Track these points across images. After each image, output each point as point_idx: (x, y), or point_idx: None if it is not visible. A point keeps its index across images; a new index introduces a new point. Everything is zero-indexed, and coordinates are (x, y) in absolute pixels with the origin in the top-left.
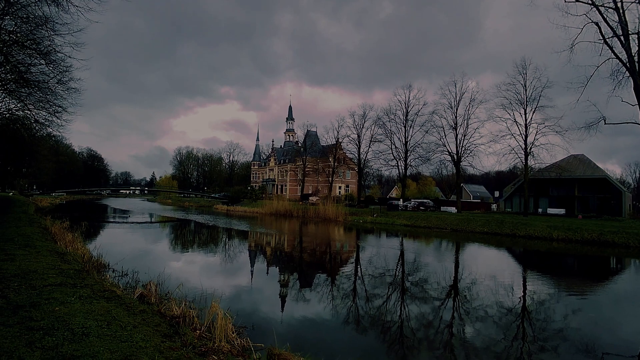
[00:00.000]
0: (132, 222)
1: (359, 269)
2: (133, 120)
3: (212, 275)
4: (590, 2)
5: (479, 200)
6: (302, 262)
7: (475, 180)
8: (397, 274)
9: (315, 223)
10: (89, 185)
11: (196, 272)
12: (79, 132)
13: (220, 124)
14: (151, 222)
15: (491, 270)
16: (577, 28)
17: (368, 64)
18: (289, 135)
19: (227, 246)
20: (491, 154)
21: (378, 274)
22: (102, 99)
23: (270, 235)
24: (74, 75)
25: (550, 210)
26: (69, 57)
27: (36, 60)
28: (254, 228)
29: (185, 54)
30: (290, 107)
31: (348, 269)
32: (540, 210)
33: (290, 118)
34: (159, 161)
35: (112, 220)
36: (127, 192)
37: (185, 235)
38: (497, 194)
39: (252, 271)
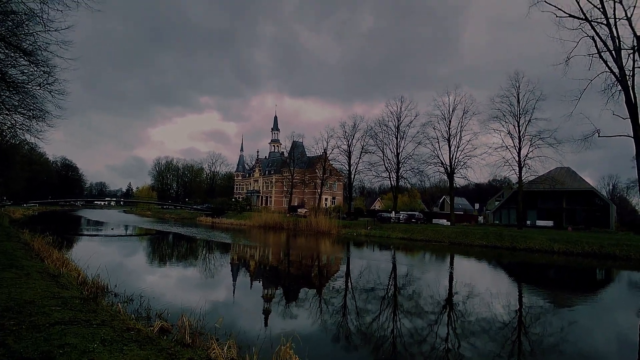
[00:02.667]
0: (116, 236)
1: (391, 290)
2: (110, 129)
3: (237, 299)
4: (582, 17)
5: (462, 212)
6: (322, 281)
7: (457, 193)
8: (429, 296)
9: (309, 236)
10: (62, 195)
11: (213, 296)
12: (53, 140)
13: (199, 134)
14: (136, 236)
15: (517, 289)
16: (573, 42)
17: (349, 76)
18: (274, 145)
19: (232, 264)
20: (485, 165)
21: (411, 296)
22: (78, 106)
23: (271, 251)
24: (59, 76)
25: (539, 223)
26: (57, 56)
27: (20, 59)
28: (248, 242)
29: (165, 62)
30: (275, 118)
31: (382, 291)
32: (529, 222)
33: (275, 128)
34: (136, 171)
35: (94, 233)
36: (102, 203)
37: (179, 251)
38: (477, 206)
39: (290, 298)
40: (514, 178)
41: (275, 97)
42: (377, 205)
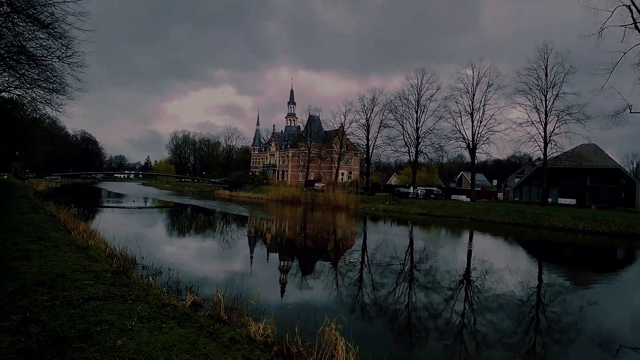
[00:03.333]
0: (138, 208)
1: (424, 268)
2: (126, 103)
3: (266, 274)
4: None
5: (480, 189)
6: (357, 258)
7: (475, 169)
8: (470, 274)
9: (327, 211)
10: (83, 168)
11: (240, 269)
12: (72, 114)
13: (214, 108)
14: (158, 208)
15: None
16: (607, 11)
17: (364, 49)
18: (290, 119)
19: (254, 237)
20: (509, 141)
21: (458, 274)
22: (94, 81)
23: (292, 225)
24: (77, 48)
25: (561, 201)
26: (75, 27)
27: (38, 32)
28: (267, 215)
29: (179, 36)
30: (292, 91)
31: (416, 270)
32: (550, 200)
33: (291, 102)
34: (152, 145)
35: (117, 205)
36: (122, 176)
37: (202, 222)
38: (495, 182)
39: (314, 271)
40: (537, 154)
41: (290, 70)
42: (393, 180)
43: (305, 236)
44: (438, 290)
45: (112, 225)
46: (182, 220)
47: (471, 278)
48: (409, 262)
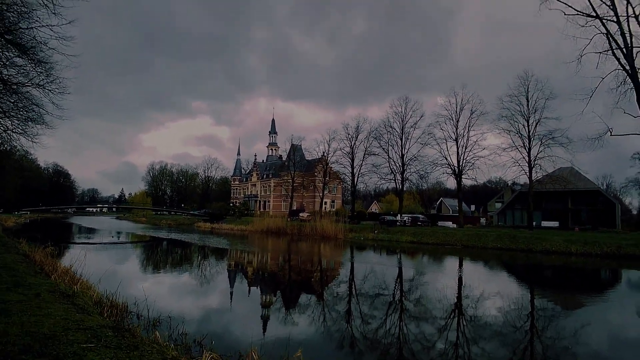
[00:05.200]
0: (116, 243)
1: (434, 300)
2: (101, 134)
3: (282, 318)
4: (593, 14)
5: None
6: (368, 293)
7: (452, 194)
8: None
9: (316, 242)
10: (54, 203)
11: (247, 310)
12: (47, 146)
13: (191, 139)
14: (137, 243)
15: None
16: (585, 39)
17: (341, 80)
18: (271, 149)
19: (257, 274)
20: (493, 166)
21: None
22: (68, 111)
23: (293, 258)
24: (60, 74)
25: (544, 223)
26: (58, 52)
27: (17, 59)
28: (257, 249)
29: (157, 67)
30: (273, 120)
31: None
32: (534, 223)
33: (273, 131)
34: (128, 177)
35: (93, 242)
36: (95, 210)
37: (189, 260)
38: (472, 207)
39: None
40: (522, 179)
41: (268, 101)
42: (374, 208)
43: (312, 272)
44: (471, 326)
45: (93, 265)
46: (168, 256)
47: (489, 307)
48: (427, 296)
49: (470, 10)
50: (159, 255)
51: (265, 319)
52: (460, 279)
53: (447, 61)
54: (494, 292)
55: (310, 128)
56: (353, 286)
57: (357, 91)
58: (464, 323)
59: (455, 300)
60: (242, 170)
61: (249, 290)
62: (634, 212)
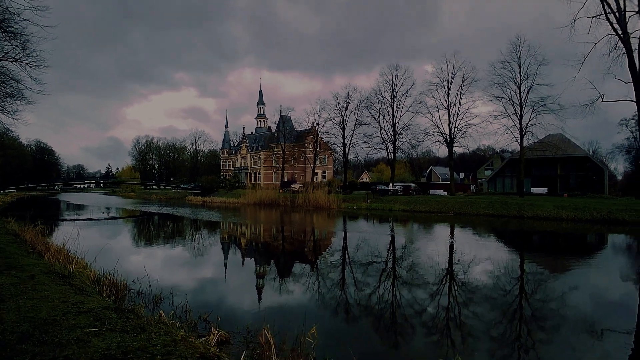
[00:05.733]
0: (107, 219)
1: (439, 266)
2: (82, 109)
3: (278, 295)
4: None
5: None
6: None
7: (441, 163)
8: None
9: (311, 212)
10: (39, 180)
11: (247, 283)
12: (27, 122)
13: (177, 111)
14: (129, 218)
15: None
16: (579, 2)
17: (328, 49)
18: (260, 120)
19: (247, 247)
20: (487, 133)
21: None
22: (48, 85)
23: (291, 229)
24: (37, 47)
25: (534, 190)
26: (33, 24)
27: None
28: (251, 221)
29: (136, 38)
30: (260, 91)
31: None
32: (524, 189)
33: (261, 102)
34: (113, 153)
35: (83, 218)
36: (82, 186)
37: (182, 233)
38: (462, 175)
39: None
40: (513, 146)
41: (254, 71)
42: (364, 177)
43: (311, 243)
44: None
45: (86, 242)
46: (162, 231)
47: (487, 273)
48: (429, 263)
49: None
50: (153, 230)
51: (267, 292)
52: (455, 246)
53: (435, 28)
54: (489, 258)
55: (298, 98)
56: (355, 256)
57: (344, 60)
58: (467, 288)
59: (456, 267)
60: (231, 142)
61: (247, 262)
62: (619, 177)
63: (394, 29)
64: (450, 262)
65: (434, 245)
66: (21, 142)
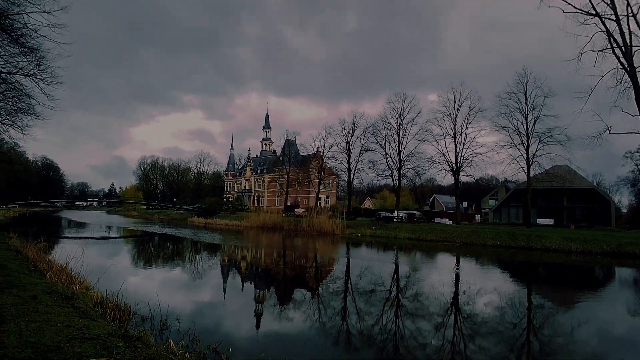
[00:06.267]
0: (109, 238)
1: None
2: (90, 128)
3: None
4: (593, 12)
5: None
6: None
7: (445, 191)
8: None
9: (315, 238)
10: (43, 196)
11: (252, 312)
12: (36, 138)
13: (183, 133)
14: (131, 237)
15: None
16: (586, 37)
17: (334, 76)
18: (265, 144)
19: (254, 270)
20: (493, 163)
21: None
22: (60, 102)
23: (299, 255)
24: (52, 64)
25: (540, 221)
26: (50, 40)
27: (7, 48)
28: (256, 245)
29: (147, 60)
30: (267, 115)
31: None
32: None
33: (267, 126)
34: (117, 171)
35: (85, 236)
36: (85, 204)
37: (187, 255)
38: (465, 204)
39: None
40: (520, 176)
41: (260, 96)
42: (367, 204)
43: (318, 271)
44: (492, 326)
45: (88, 261)
46: (165, 252)
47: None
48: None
49: (461, 8)
50: (155, 251)
51: (275, 320)
52: (467, 277)
53: (439, 59)
54: (501, 290)
55: (303, 123)
56: (372, 287)
57: (350, 87)
58: (480, 321)
59: (470, 300)
60: (236, 165)
61: (251, 288)
62: (623, 210)
63: (398, 58)
64: (465, 294)
65: (446, 276)
66: (27, 157)
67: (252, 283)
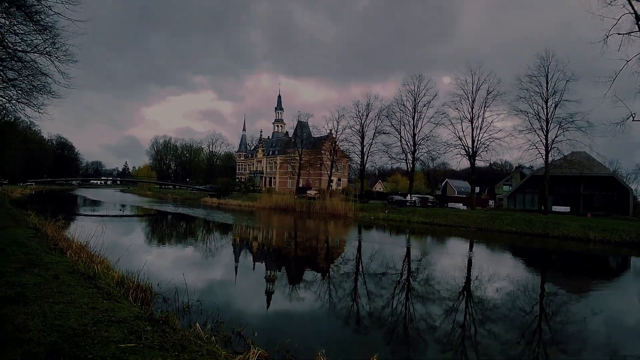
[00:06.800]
0: (128, 216)
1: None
2: (103, 108)
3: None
4: None
5: (465, 196)
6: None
7: (457, 176)
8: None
9: (328, 220)
10: (58, 174)
11: (268, 292)
12: (52, 116)
13: (194, 113)
14: (146, 216)
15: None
16: (613, 19)
17: (345, 57)
18: (277, 125)
19: (271, 252)
20: (509, 148)
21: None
22: (74, 80)
23: (314, 237)
24: (66, 42)
25: (555, 208)
26: (64, 17)
27: (21, 25)
28: (270, 226)
29: (157, 42)
30: (279, 97)
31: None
32: (542, 207)
33: (279, 108)
34: (130, 151)
35: (103, 214)
36: (99, 182)
37: (203, 235)
38: (477, 189)
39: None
40: (537, 162)
41: (270, 77)
42: (378, 187)
43: (333, 251)
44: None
45: (106, 240)
46: (179, 232)
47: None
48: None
49: None
50: (172, 230)
51: (299, 303)
52: (492, 266)
53: (452, 39)
54: (526, 279)
55: (313, 105)
56: (397, 271)
57: (361, 68)
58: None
59: (495, 287)
60: (247, 146)
61: (273, 269)
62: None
63: (410, 39)
64: (492, 283)
65: (469, 262)
66: (43, 136)
67: (275, 265)
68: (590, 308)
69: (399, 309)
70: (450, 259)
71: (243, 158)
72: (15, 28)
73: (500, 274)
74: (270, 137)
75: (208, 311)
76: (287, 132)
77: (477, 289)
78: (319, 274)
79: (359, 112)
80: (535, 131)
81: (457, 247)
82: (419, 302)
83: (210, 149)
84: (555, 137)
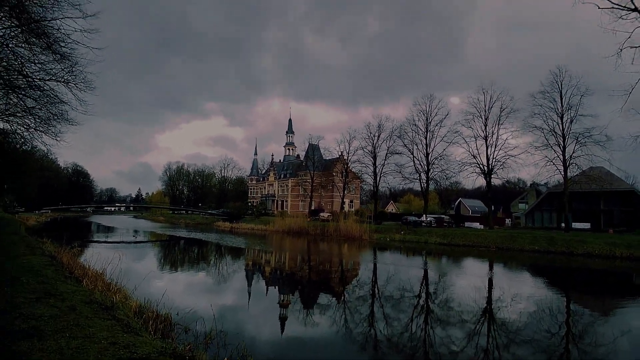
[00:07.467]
0: (142, 242)
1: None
2: (116, 135)
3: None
4: (632, 7)
5: (479, 215)
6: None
7: (470, 195)
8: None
9: (344, 243)
10: (73, 201)
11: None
12: (70, 144)
13: (205, 139)
14: (160, 242)
15: None
16: (626, 32)
17: (355, 80)
18: (288, 149)
19: (288, 278)
20: (527, 165)
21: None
22: (92, 107)
23: (332, 260)
24: (84, 69)
25: (576, 225)
26: (83, 45)
27: (40, 55)
28: (283, 250)
29: (171, 68)
30: (290, 120)
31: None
32: (563, 224)
33: (290, 131)
34: (143, 178)
35: (117, 240)
36: (113, 209)
37: (217, 260)
38: (492, 208)
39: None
40: (554, 179)
41: (281, 101)
42: (391, 208)
43: (358, 278)
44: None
45: (121, 267)
46: (194, 257)
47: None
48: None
49: (483, 9)
50: (188, 255)
51: (318, 329)
52: (528, 289)
53: (461, 61)
54: (558, 302)
55: (324, 128)
56: (419, 295)
57: (371, 91)
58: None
59: (531, 310)
60: (259, 170)
61: (289, 294)
62: None
63: (420, 61)
64: (528, 306)
65: (501, 283)
66: (59, 164)
67: (285, 289)
68: (619, 328)
69: (418, 334)
70: (481, 281)
71: (255, 182)
72: (35, 58)
73: (525, 294)
74: (282, 161)
75: (232, 342)
76: (298, 155)
77: (499, 310)
78: (341, 298)
79: (370, 133)
80: (551, 147)
81: (483, 268)
82: (440, 325)
83: (222, 174)
84: (573, 152)
